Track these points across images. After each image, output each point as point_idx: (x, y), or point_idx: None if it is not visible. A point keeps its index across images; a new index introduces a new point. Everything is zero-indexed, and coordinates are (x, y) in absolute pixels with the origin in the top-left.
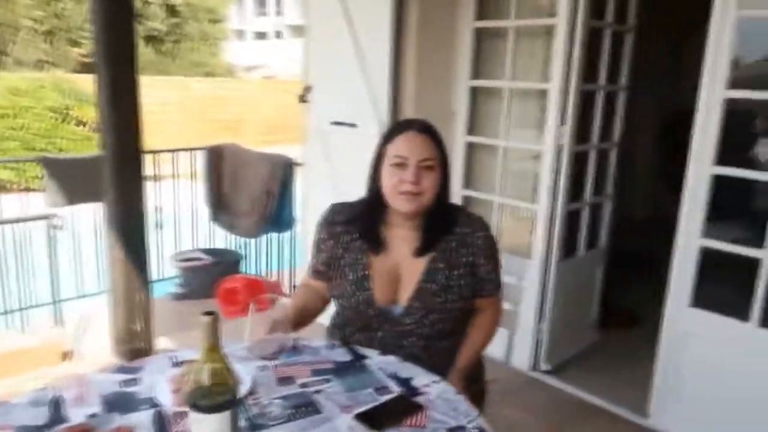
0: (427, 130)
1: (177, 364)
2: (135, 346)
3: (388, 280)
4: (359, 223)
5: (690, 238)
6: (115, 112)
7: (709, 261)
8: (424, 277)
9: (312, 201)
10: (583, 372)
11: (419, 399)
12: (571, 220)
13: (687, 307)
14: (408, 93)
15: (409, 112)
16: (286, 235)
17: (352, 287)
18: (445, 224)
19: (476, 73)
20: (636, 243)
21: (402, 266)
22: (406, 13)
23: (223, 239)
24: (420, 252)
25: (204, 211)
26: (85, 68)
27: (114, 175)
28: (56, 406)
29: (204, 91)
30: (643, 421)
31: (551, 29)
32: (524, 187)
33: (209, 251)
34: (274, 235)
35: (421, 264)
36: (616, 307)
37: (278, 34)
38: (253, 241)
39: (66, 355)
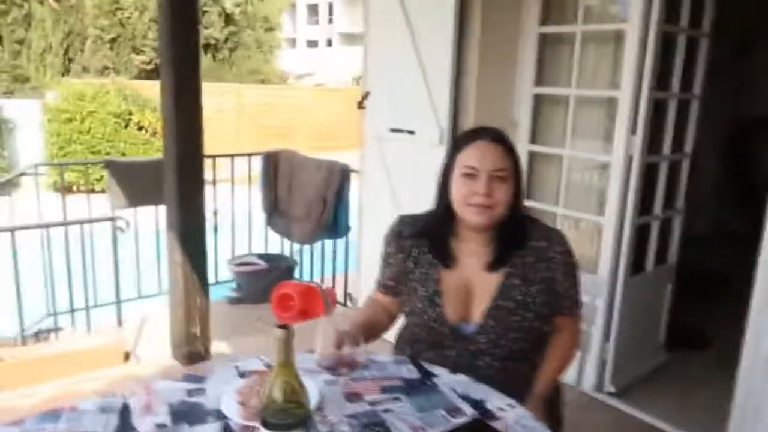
0: (499, 138)
1: (242, 375)
2: (193, 350)
3: (460, 296)
4: (429, 237)
5: None
6: (178, 117)
7: None
8: (499, 293)
9: (368, 208)
10: (651, 395)
11: (495, 424)
12: (640, 234)
13: None
14: (469, 100)
15: (469, 120)
16: (341, 241)
17: (423, 303)
18: (519, 237)
19: (540, 80)
20: (699, 260)
21: (473, 281)
22: (469, 18)
23: (277, 244)
24: (492, 266)
25: (259, 215)
26: (146, 75)
27: (175, 178)
28: (124, 414)
29: (257, 98)
30: None
31: (620, 34)
32: (588, 198)
33: (264, 256)
34: (329, 241)
35: (494, 279)
36: (683, 327)
37: (329, 42)
38: (307, 246)
39: (127, 356)
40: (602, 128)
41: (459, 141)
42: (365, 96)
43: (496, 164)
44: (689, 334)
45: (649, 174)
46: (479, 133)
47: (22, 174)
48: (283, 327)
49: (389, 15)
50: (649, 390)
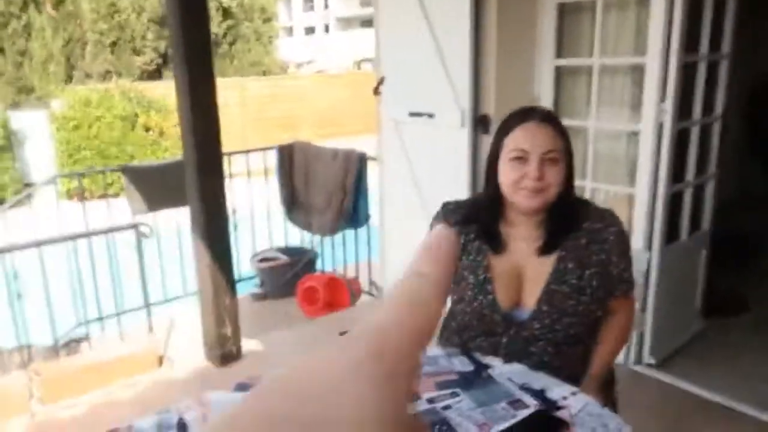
0: (549, 119)
1: None
2: (225, 351)
3: (511, 282)
4: (477, 222)
5: None
6: (195, 115)
7: None
8: (553, 278)
9: (389, 195)
10: (692, 364)
11: (561, 414)
12: (673, 202)
13: None
14: (489, 78)
15: (490, 100)
16: (362, 229)
17: (474, 291)
18: (571, 220)
19: (561, 52)
20: (729, 225)
21: (525, 266)
22: None
23: (297, 237)
24: (544, 250)
25: (277, 208)
26: (148, 76)
27: (197, 178)
28: (182, 430)
29: (259, 89)
30: None
31: None
32: (618, 170)
33: (285, 250)
34: (349, 230)
35: (547, 264)
36: (719, 293)
37: (326, 28)
38: (327, 237)
39: (160, 361)
40: (629, 97)
41: (506, 123)
42: (381, 81)
43: (547, 146)
44: (725, 300)
45: (680, 139)
46: (528, 114)
47: (43, 184)
48: (344, 334)
49: None
50: (690, 359)
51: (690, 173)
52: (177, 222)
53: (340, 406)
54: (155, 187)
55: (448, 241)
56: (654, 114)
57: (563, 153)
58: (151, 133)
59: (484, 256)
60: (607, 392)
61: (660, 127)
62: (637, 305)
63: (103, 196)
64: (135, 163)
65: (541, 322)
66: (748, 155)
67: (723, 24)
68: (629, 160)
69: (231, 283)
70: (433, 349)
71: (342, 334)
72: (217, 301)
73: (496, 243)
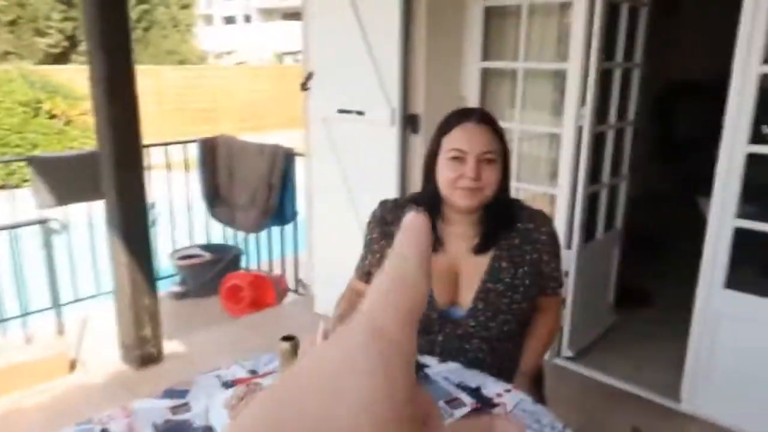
0: (487, 120)
1: (227, 385)
2: (145, 353)
3: (447, 280)
4: None
5: (724, 218)
6: (112, 105)
7: (742, 241)
8: (488, 276)
9: (318, 192)
10: (607, 356)
11: (496, 411)
12: (590, 202)
13: (721, 288)
14: (419, 77)
15: (419, 98)
16: (288, 226)
17: None
18: (506, 220)
19: (487, 55)
20: (635, 221)
21: (461, 265)
22: None
23: (220, 233)
24: (480, 249)
25: (199, 204)
26: (54, 59)
27: (114, 171)
28: None
29: (177, 79)
30: (675, 405)
31: (566, 5)
32: (541, 170)
33: (208, 247)
34: (276, 227)
35: (482, 262)
36: (629, 286)
37: (247, 18)
38: (252, 234)
39: (73, 365)
40: (551, 100)
41: (445, 123)
42: (309, 76)
43: (484, 146)
44: (634, 294)
45: (596, 142)
46: (466, 115)
47: None
48: (288, 339)
49: None
50: (605, 351)
51: (605, 174)
52: (90, 215)
53: (339, 398)
54: (66, 179)
55: (424, 225)
56: (574, 118)
57: (500, 154)
58: (56, 120)
59: None
60: (538, 388)
61: (580, 131)
62: None
63: (2, 187)
64: (41, 153)
65: (476, 320)
66: (654, 156)
67: (636, 35)
68: (552, 161)
69: (150, 281)
70: None
71: (284, 339)
72: (135, 301)
73: (434, 241)
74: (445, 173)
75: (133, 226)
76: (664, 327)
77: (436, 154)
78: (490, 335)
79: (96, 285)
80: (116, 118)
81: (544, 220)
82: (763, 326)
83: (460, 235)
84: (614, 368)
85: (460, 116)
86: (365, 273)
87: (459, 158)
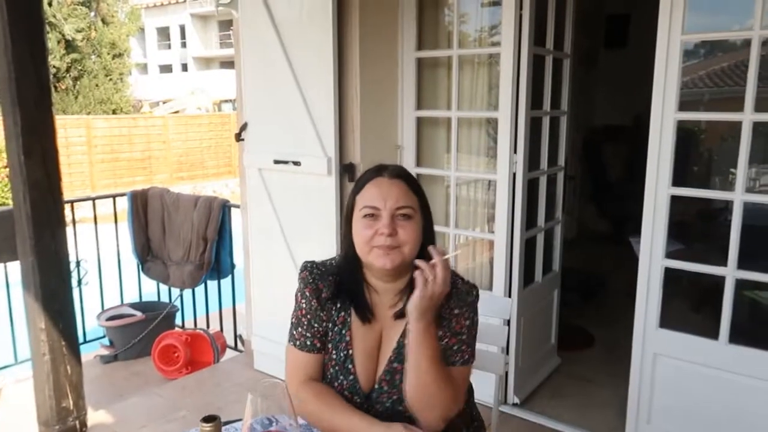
0: (400, 174)
1: None
2: (67, 426)
3: (371, 358)
4: (345, 292)
5: (653, 259)
6: (29, 161)
7: (673, 281)
8: (394, 355)
9: (255, 245)
10: (553, 400)
11: None
12: (527, 246)
13: (656, 328)
14: (354, 127)
15: (355, 148)
16: (226, 279)
17: (335, 369)
18: None
19: (421, 104)
20: (572, 263)
21: (384, 336)
22: (347, 45)
23: (153, 288)
24: (399, 314)
25: (129, 259)
26: None
27: (32, 231)
28: None
29: (109, 129)
30: None
31: (495, 57)
32: (478, 216)
33: (139, 305)
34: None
35: (396, 337)
36: (569, 328)
37: (184, 67)
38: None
39: None
40: (485, 146)
41: (358, 182)
42: (243, 127)
43: (399, 201)
44: (575, 335)
45: (530, 188)
46: (379, 171)
47: None
48: (211, 419)
49: (263, 43)
50: (550, 395)
51: (541, 219)
52: (7, 277)
53: None
54: None
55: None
56: (507, 165)
57: (418, 209)
58: None
59: (348, 329)
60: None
61: (513, 177)
62: (497, 349)
63: None
64: None
65: (383, 404)
66: (588, 199)
67: (561, 85)
68: (489, 207)
69: (73, 347)
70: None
71: (205, 420)
72: (56, 369)
73: (364, 314)
74: (360, 232)
75: (52, 288)
76: (606, 368)
77: (351, 215)
78: (409, 416)
79: (14, 353)
80: (32, 174)
81: (472, 302)
82: (696, 364)
83: (386, 303)
84: (560, 412)
85: (372, 172)
86: (314, 348)
87: (373, 215)
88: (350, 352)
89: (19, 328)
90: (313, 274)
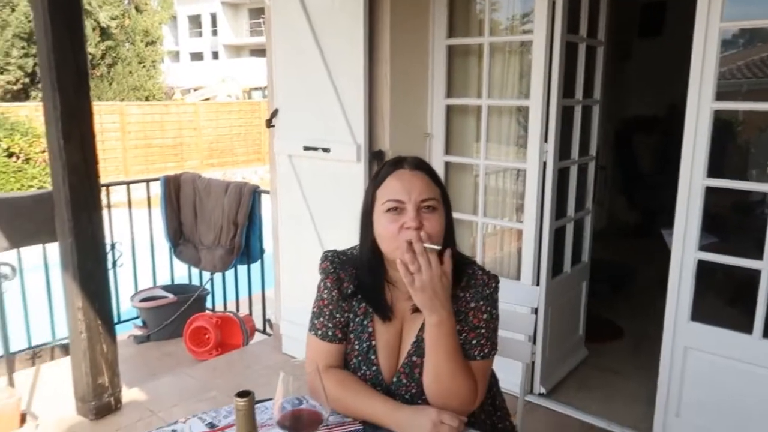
0: (420, 166)
1: None
2: (101, 402)
3: (394, 350)
4: (363, 290)
5: (686, 251)
6: (68, 144)
7: (706, 274)
8: (413, 348)
9: (284, 230)
10: (580, 391)
11: None
12: (557, 236)
13: (687, 321)
14: (384, 115)
15: (385, 136)
16: (256, 263)
17: (358, 359)
18: (455, 276)
19: (451, 92)
20: (602, 254)
21: (405, 329)
22: (378, 32)
23: (185, 272)
24: (417, 308)
25: (162, 243)
26: (12, 96)
27: (69, 213)
28: None
29: (142, 116)
30: None
31: (527, 45)
32: (508, 205)
33: (171, 288)
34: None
35: (417, 325)
36: (598, 320)
37: (215, 55)
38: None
39: (23, 418)
40: (515, 135)
41: (378, 175)
42: (273, 114)
43: (423, 193)
44: (603, 327)
45: (560, 177)
46: (399, 163)
47: None
48: (245, 394)
49: (294, 31)
50: (577, 386)
51: (570, 209)
52: (46, 258)
53: None
54: (20, 221)
55: None
56: (538, 154)
57: (441, 201)
58: (15, 159)
59: (370, 320)
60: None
61: (543, 167)
62: (524, 337)
63: None
64: None
65: (402, 396)
66: (619, 190)
67: (594, 73)
68: (518, 196)
69: (109, 326)
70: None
71: (239, 394)
72: (92, 347)
73: (383, 313)
74: (384, 227)
75: (89, 269)
76: (634, 360)
77: (371, 209)
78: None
79: (52, 332)
80: (71, 158)
81: (482, 289)
82: (729, 359)
83: (406, 294)
84: (587, 404)
85: (391, 165)
86: (336, 339)
87: (397, 209)
88: (373, 343)
89: (56, 308)
90: (334, 263)
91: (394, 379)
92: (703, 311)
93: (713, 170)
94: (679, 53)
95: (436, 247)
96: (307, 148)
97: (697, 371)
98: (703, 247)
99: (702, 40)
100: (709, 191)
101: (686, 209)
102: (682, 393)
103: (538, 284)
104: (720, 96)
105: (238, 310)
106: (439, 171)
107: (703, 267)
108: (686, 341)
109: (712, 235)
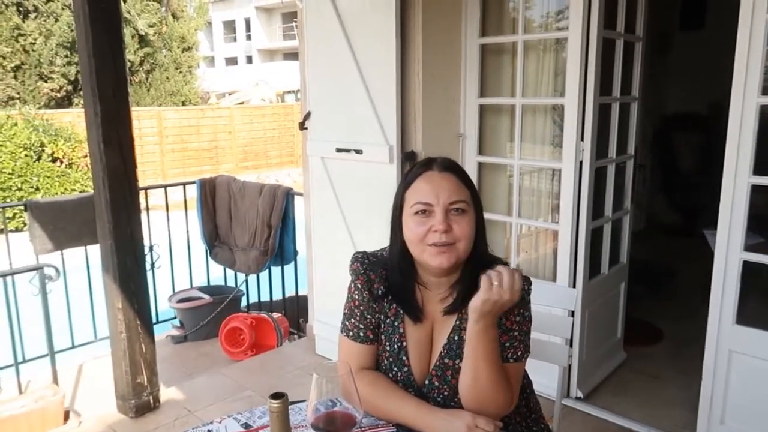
0: (451, 167)
1: None
2: (141, 401)
3: (425, 351)
4: (394, 292)
5: (731, 252)
6: (108, 149)
7: (751, 275)
8: (445, 351)
9: (317, 232)
10: (618, 395)
11: None
12: (594, 237)
13: (732, 324)
14: (416, 115)
15: (417, 137)
16: (289, 265)
17: (389, 360)
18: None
19: (484, 91)
20: (639, 255)
21: (436, 331)
22: (410, 32)
23: (220, 273)
24: (449, 310)
25: (198, 245)
26: (56, 103)
27: (109, 215)
28: None
29: (179, 120)
30: None
31: (562, 42)
32: (543, 206)
33: (207, 289)
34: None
35: (447, 330)
36: (637, 323)
37: (249, 59)
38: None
39: (67, 416)
40: (550, 134)
41: (406, 177)
42: (306, 116)
43: (452, 196)
44: (643, 330)
45: (597, 177)
46: (428, 165)
47: None
48: (278, 396)
49: (327, 33)
50: (615, 390)
51: (608, 209)
52: (88, 260)
53: None
54: (63, 224)
55: None
56: (574, 153)
57: (470, 203)
58: (59, 164)
59: (401, 321)
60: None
61: (580, 166)
62: (560, 340)
63: (1, 231)
64: (40, 198)
65: (434, 398)
66: (658, 189)
67: (632, 70)
68: (554, 196)
69: (147, 326)
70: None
71: (273, 396)
72: (132, 347)
73: (414, 314)
74: (412, 229)
75: (129, 270)
76: (675, 364)
77: (400, 211)
78: (460, 403)
79: (93, 331)
80: (111, 161)
81: (524, 294)
82: None
83: (438, 299)
84: (626, 409)
85: (421, 166)
86: (367, 339)
87: (425, 211)
88: (404, 344)
89: (97, 308)
90: (364, 265)
91: (426, 381)
92: (749, 314)
93: (759, 168)
94: (722, 47)
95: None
96: (339, 150)
97: (742, 376)
98: (748, 248)
99: (747, 30)
100: (755, 190)
101: (730, 208)
102: (726, 399)
103: (574, 286)
104: (766, 91)
105: (272, 311)
106: (473, 172)
107: (748, 268)
108: (731, 345)
109: (759, 236)
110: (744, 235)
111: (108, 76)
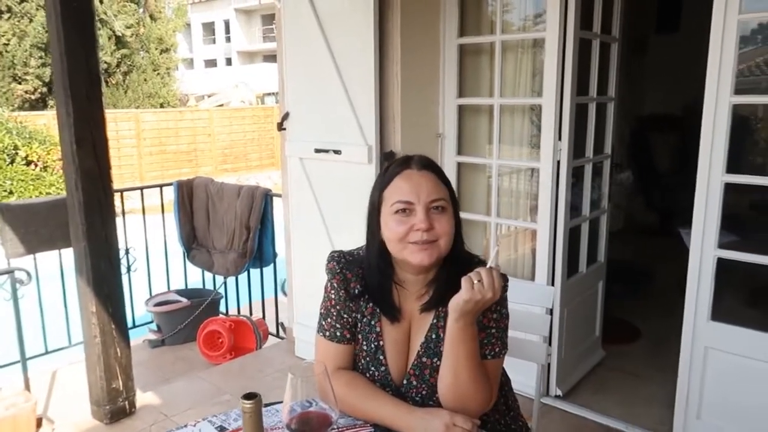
0: (429, 165)
1: None
2: (116, 407)
3: (402, 350)
4: (371, 292)
5: (705, 249)
6: (81, 151)
7: (726, 272)
8: (422, 349)
9: (296, 233)
10: (597, 393)
11: None
12: (572, 236)
13: (707, 321)
14: (395, 116)
15: (396, 137)
16: (269, 267)
17: (366, 360)
18: (458, 275)
19: (463, 91)
20: (617, 254)
21: (413, 328)
22: (388, 33)
23: (199, 276)
24: (426, 307)
25: (176, 247)
26: (30, 105)
27: (83, 219)
28: None
29: (157, 122)
30: None
31: (539, 42)
32: (521, 205)
33: (185, 292)
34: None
35: (424, 328)
36: (615, 321)
37: (228, 61)
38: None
39: (39, 423)
40: (528, 134)
41: (383, 175)
42: (285, 117)
43: (432, 194)
44: (621, 328)
45: (575, 176)
46: (406, 163)
47: None
48: (251, 396)
49: (305, 33)
50: (593, 388)
51: (585, 208)
52: (62, 264)
53: None
54: (35, 227)
55: None
56: (551, 152)
57: (449, 201)
58: (33, 167)
59: (377, 320)
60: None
61: (558, 165)
62: (539, 338)
63: None
64: (11, 201)
65: (413, 397)
66: (636, 189)
67: (608, 70)
68: (532, 195)
69: (122, 330)
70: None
71: (246, 396)
72: (106, 351)
73: (391, 314)
74: (392, 229)
75: (103, 273)
76: (652, 362)
77: (378, 210)
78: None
79: (68, 336)
80: (84, 162)
81: (503, 293)
82: (751, 359)
83: (413, 294)
84: (604, 406)
85: (398, 165)
86: (344, 339)
87: (406, 210)
88: (381, 343)
89: (72, 314)
90: (340, 264)
91: (404, 381)
92: (723, 310)
93: (732, 166)
94: (697, 49)
95: (495, 249)
96: (318, 151)
97: (717, 372)
98: (722, 245)
99: (720, 31)
100: (728, 188)
101: (705, 206)
102: (702, 394)
103: (553, 284)
104: (739, 92)
105: (251, 314)
106: (452, 172)
107: (722, 265)
108: (706, 341)
109: (732, 234)
110: (718, 233)
111: (81, 75)
